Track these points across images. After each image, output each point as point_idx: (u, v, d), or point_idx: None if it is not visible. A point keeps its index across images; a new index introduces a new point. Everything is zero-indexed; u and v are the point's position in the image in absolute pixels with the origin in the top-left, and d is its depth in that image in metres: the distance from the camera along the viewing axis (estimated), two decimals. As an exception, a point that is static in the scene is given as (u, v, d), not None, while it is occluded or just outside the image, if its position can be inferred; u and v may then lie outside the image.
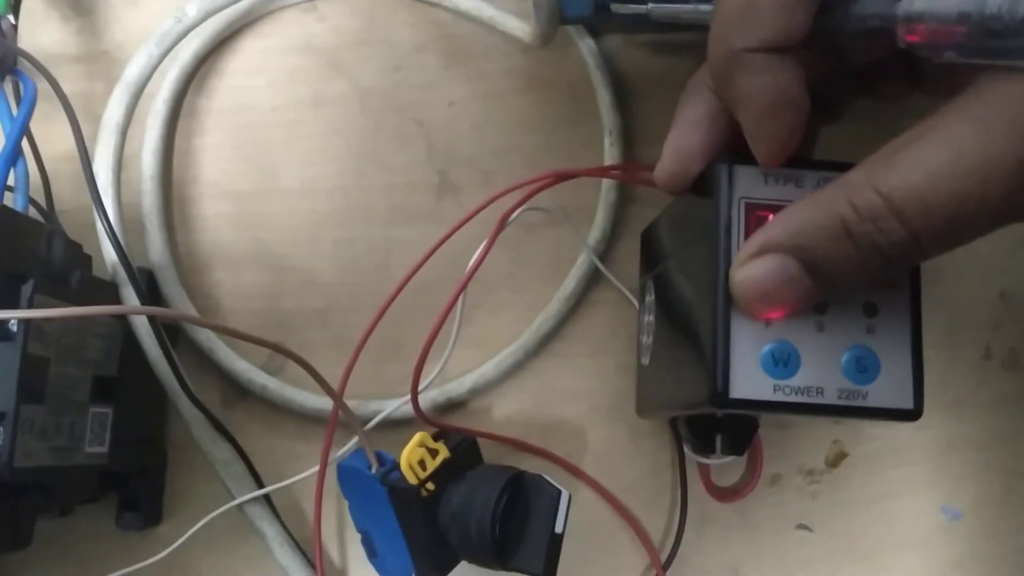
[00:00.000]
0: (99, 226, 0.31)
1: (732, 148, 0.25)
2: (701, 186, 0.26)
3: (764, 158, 0.24)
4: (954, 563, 0.33)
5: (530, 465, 0.33)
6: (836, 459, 0.34)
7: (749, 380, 0.23)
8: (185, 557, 0.31)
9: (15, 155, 0.28)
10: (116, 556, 0.31)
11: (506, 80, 0.37)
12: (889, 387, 0.23)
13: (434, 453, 0.28)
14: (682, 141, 0.26)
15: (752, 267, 0.22)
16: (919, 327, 0.24)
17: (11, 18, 0.31)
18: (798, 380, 0.23)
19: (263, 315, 0.35)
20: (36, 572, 0.33)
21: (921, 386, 0.23)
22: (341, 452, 0.32)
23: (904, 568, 0.33)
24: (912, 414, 0.23)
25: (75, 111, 0.30)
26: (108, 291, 0.30)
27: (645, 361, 0.31)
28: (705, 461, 0.32)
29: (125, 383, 0.30)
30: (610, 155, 0.35)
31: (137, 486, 0.32)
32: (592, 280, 0.35)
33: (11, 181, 0.28)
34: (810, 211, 0.22)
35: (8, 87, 0.29)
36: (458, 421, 0.34)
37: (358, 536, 0.30)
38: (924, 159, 0.20)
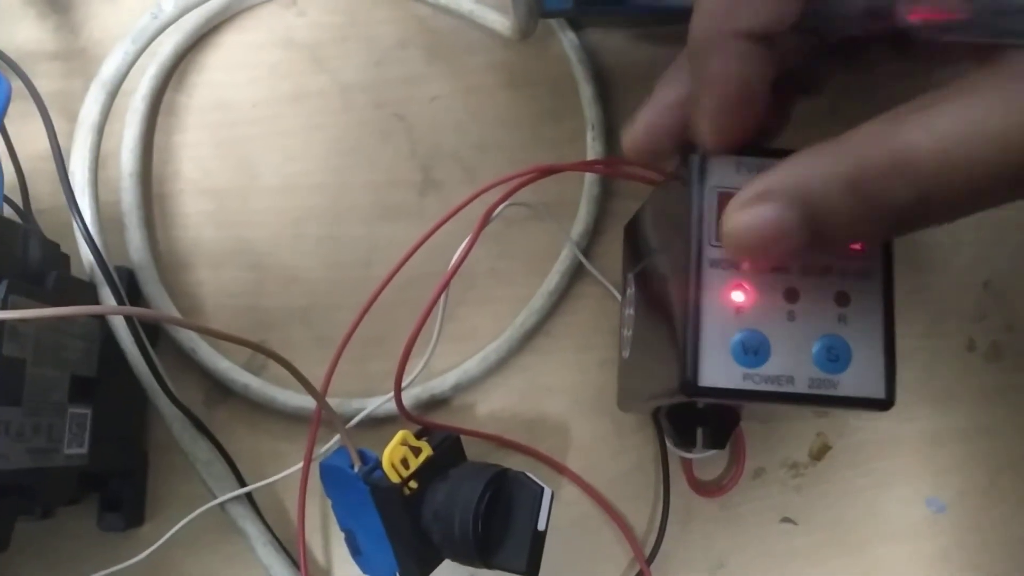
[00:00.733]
0: (76, 225, 0.30)
1: None
2: (673, 171, 0.26)
3: (707, 144, 0.23)
4: (939, 555, 0.34)
5: (514, 462, 0.33)
6: (820, 452, 0.34)
7: (719, 369, 0.23)
8: (167, 557, 0.31)
9: (-11, 154, 0.27)
10: (98, 557, 0.31)
11: (488, 75, 0.36)
12: (861, 376, 0.23)
13: (417, 451, 0.28)
14: (656, 119, 0.25)
15: (749, 213, 0.21)
16: (891, 316, 0.24)
17: (-15, 15, 0.30)
18: (768, 369, 0.23)
19: (245, 313, 0.35)
20: (17, 575, 0.32)
21: (893, 375, 0.23)
22: (324, 450, 0.31)
23: (889, 560, 0.34)
24: (884, 403, 0.23)
25: (53, 109, 0.30)
26: (86, 291, 0.30)
27: (626, 354, 0.31)
28: (686, 455, 0.32)
29: (104, 383, 0.30)
30: (593, 149, 0.35)
31: (118, 487, 0.32)
32: (576, 275, 0.35)
33: (-15, 181, 0.27)
34: (816, 161, 0.21)
35: (-18, 85, 0.29)
36: (441, 418, 0.34)
37: (342, 534, 0.30)
38: (944, 121, 0.19)
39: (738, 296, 0.23)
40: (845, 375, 0.23)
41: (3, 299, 0.25)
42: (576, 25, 0.36)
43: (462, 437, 0.30)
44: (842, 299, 0.24)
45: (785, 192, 0.21)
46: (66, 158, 0.32)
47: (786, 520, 0.34)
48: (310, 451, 0.31)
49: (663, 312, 0.26)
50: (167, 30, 0.34)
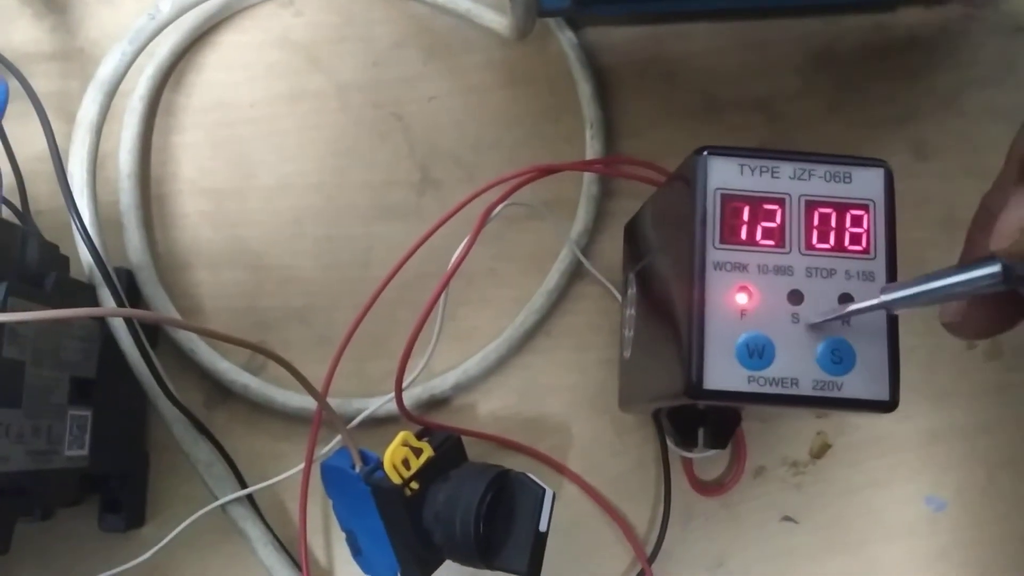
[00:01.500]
0: (74, 227, 0.30)
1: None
2: (675, 172, 0.26)
3: (968, 336, 0.24)
4: (938, 553, 0.34)
5: (515, 462, 0.33)
6: (820, 450, 0.34)
7: (724, 371, 0.23)
8: (168, 558, 0.31)
9: (-13, 156, 0.27)
10: (99, 558, 0.31)
11: (486, 74, 0.36)
12: (865, 378, 0.23)
13: (418, 452, 0.28)
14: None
15: None
16: (895, 318, 0.24)
17: (-19, 16, 0.30)
18: (773, 371, 0.23)
19: (244, 314, 0.35)
20: (18, 576, 0.33)
21: (897, 377, 0.23)
22: (324, 451, 0.31)
23: (889, 558, 0.34)
24: (888, 405, 0.23)
25: (50, 110, 0.30)
26: (85, 292, 0.30)
27: (627, 355, 0.31)
28: (687, 455, 0.32)
29: (104, 385, 0.30)
30: (591, 148, 0.35)
31: (119, 488, 0.32)
32: (575, 274, 0.35)
33: (-17, 182, 0.27)
34: None
35: (-21, 87, 0.29)
36: (442, 418, 0.34)
37: (343, 535, 0.30)
38: None
39: (742, 298, 0.23)
40: (849, 377, 0.23)
41: (3, 301, 0.25)
42: (574, 24, 0.36)
43: (462, 437, 0.30)
44: (846, 300, 0.23)
45: None
46: (64, 159, 0.32)
47: (786, 519, 0.34)
48: (311, 452, 0.31)
49: (665, 313, 0.26)
50: (164, 30, 0.34)
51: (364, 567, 0.30)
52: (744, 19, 0.37)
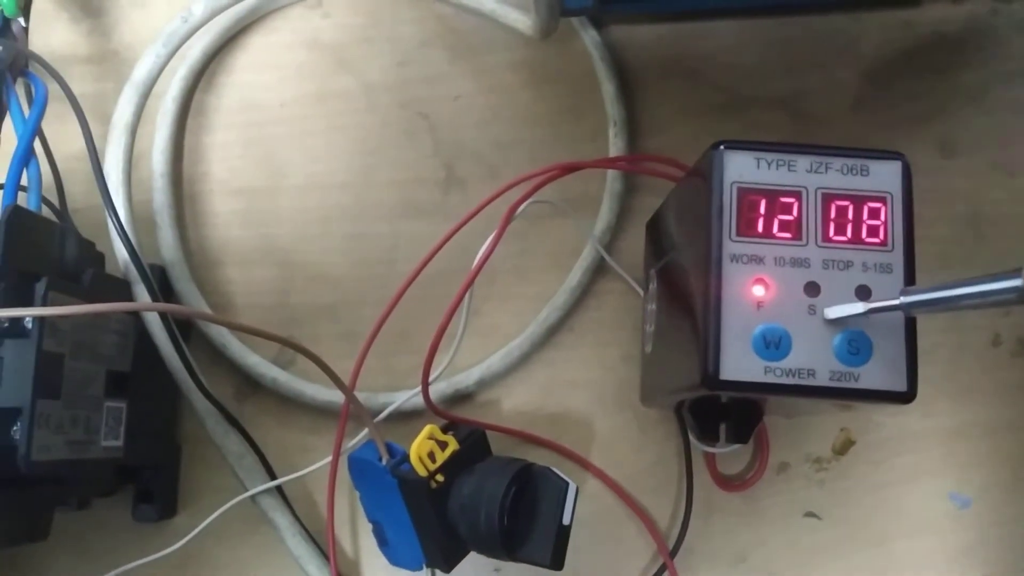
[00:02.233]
0: (110, 224, 0.31)
1: None
2: (693, 167, 0.26)
3: None
4: (962, 550, 0.34)
5: (538, 456, 0.33)
6: (843, 447, 0.34)
7: (740, 362, 0.23)
8: (200, 548, 0.32)
9: (28, 156, 0.28)
10: (132, 547, 0.32)
11: (511, 74, 0.37)
12: (882, 369, 0.23)
13: (443, 445, 0.28)
14: None
15: None
16: None
17: (22, 20, 0.31)
18: (789, 362, 0.23)
19: (273, 310, 0.35)
20: (55, 564, 0.33)
21: (915, 368, 0.23)
22: (352, 444, 0.32)
23: (912, 555, 0.34)
24: (905, 396, 0.23)
25: (86, 111, 0.31)
26: (121, 288, 0.31)
27: (648, 349, 0.31)
28: (710, 450, 0.33)
29: (139, 378, 0.31)
30: (615, 146, 0.35)
31: (152, 479, 0.33)
32: (598, 271, 0.35)
33: (24, 181, 0.28)
34: None
35: (20, 89, 0.30)
36: (466, 413, 0.34)
37: (369, 526, 0.30)
38: None
39: (759, 290, 0.24)
40: (866, 368, 0.23)
41: (43, 296, 0.25)
42: (597, 23, 0.36)
43: (486, 431, 0.31)
44: (863, 293, 0.24)
45: None
46: (100, 159, 0.33)
47: (809, 514, 0.34)
48: (339, 444, 0.31)
49: (685, 307, 0.26)
50: (196, 33, 0.35)
51: (390, 558, 0.30)
52: (767, 16, 0.37)
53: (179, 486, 0.34)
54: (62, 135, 0.31)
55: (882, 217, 0.24)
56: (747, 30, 0.37)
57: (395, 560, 0.30)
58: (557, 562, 0.27)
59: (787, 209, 0.24)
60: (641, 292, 0.34)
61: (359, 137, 0.36)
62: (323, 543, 0.33)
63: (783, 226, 0.24)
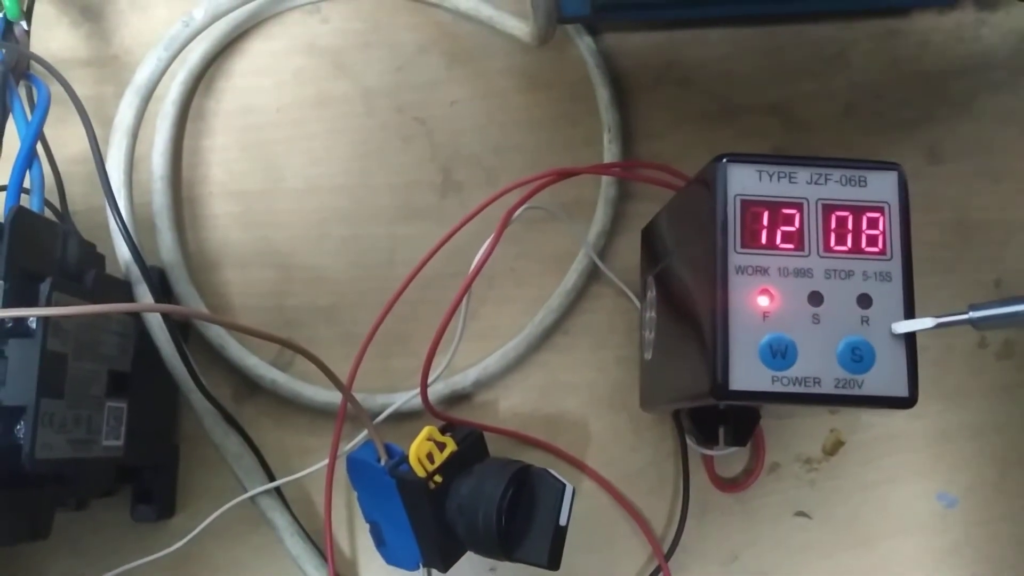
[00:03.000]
0: (112, 225, 0.31)
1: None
2: (694, 177, 0.26)
3: None
4: (949, 549, 0.34)
5: (534, 457, 0.34)
6: (833, 447, 0.35)
7: (748, 372, 0.24)
8: (198, 548, 0.32)
9: (30, 158, 0.28)
10: (131, 547, 0.32)
11: (507, 79, 0.37)
12: (884, 376, 0.24)
13: (442, 446, 0.28)
14: None
15: None
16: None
17: (24, 24, 0.31)
18: (796, 371, 0.24)
19: (271, 312, 0.36)
20: (54, 564, 0.34)
21: (915, 374, 0.24)
22: (350, 445, 0.32)
23: (900, 554, 0.34)
24: (907, 402, 0.24)
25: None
26: (122, 289, 0.31)
27: (648, 356, 0.32)
28: (709, 452, 0.33)
29: (139, 378, 0.31)
30: (609, 152, 0.36)
31: (151, 479, 0.33)
32: (592, 274, 0.35)
33: (26, 183, 0.28)
34: None
35: (22, 92, 0.30)
36: (463, 414, 0.34)
37: (367, 526, 0.31)
38: None
39: (764, 301, 0.24)
40: (869, 375, 0.24)
41: (47, 296, 0.26)
42: (593, 30, 0.37)
43: (484, 433, 0.31)
44: (864, 301, 0.24)
45: None
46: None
47: (800, 514, 0.34)
48: (336, 445, 0.32)
49: (687, 316, 0.26)
50: (196, 38, 0.35)
51: (387, 557, 0.30)
52: (759, 25, 0.37)
53: (178, 486, 0.34)
54: (62, 138, 0.31)
55: (880, 227, 0.25)
56: (740, 38, 0.37)
57: (392, 560, 0.30)
58: (554, 562, 0.28)
59: (789, 220, 0.25)
60: (633, 297, 0.34)
61: (357, 141, 0.37)
62: (321, 543, 0.33)
63: (786, 237, 0.24)
